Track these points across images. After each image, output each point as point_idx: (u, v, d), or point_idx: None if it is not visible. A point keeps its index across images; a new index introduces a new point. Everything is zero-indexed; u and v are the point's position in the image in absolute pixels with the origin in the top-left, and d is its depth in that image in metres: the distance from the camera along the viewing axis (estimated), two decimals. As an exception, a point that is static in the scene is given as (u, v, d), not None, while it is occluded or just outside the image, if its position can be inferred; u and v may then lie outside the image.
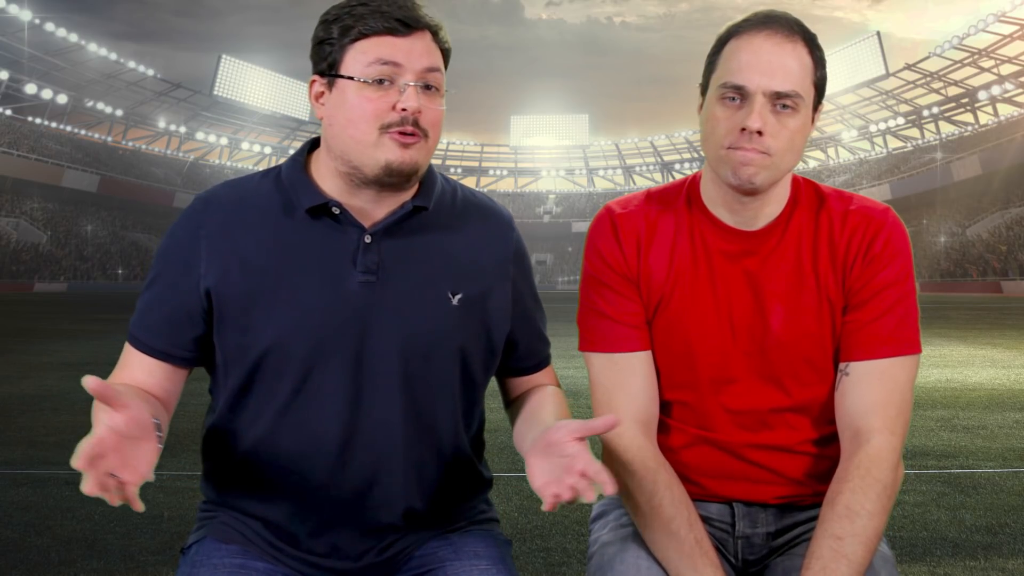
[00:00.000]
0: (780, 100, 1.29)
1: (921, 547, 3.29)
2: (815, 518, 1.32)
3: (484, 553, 1.35)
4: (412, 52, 1.24)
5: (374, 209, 1.31)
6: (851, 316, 1.36)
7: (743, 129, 1.28)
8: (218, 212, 1.31)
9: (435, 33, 1.28)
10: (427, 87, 1.26)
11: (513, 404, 1.49)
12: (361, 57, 1.24)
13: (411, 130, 1.24)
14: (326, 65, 1.27)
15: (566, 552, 3.25)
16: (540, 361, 1.49)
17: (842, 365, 1.36)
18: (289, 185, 1.32)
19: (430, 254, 1.33)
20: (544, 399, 1.42)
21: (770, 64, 1.29)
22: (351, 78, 1.24)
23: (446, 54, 1.31)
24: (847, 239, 1.37)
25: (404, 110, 1.23)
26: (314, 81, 1.30)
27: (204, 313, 1.30)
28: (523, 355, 1.46)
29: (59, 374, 8.94)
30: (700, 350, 1.39)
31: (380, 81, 1.23)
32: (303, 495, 1.30)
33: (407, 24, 1.24)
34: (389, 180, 1.26)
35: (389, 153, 1.24)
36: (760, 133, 1.28)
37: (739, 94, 1.29)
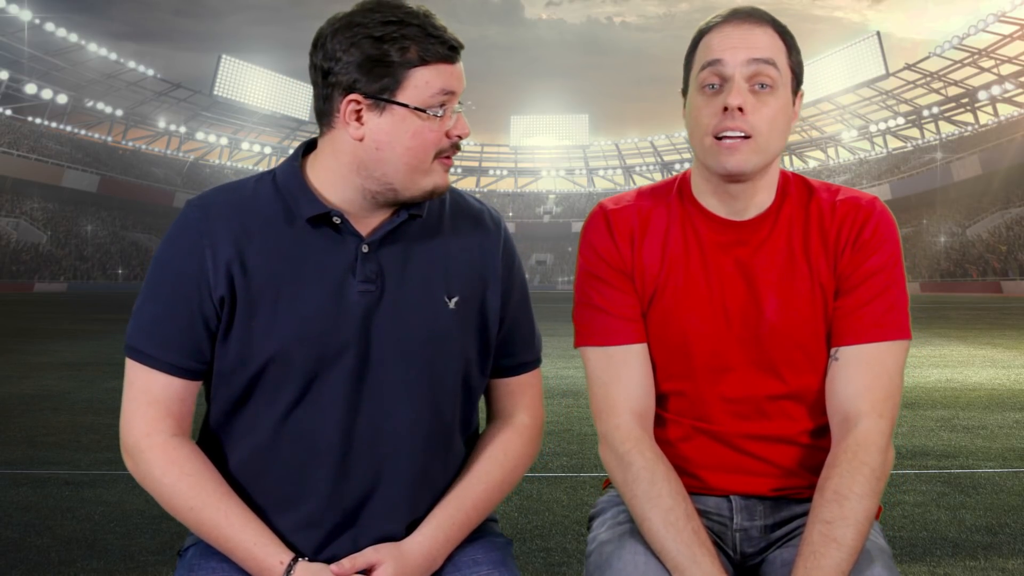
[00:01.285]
0: (758, 77, 1.32)
1: (921, 547, 3.29)
2: None
3: (483, 559, 1.34)
4: (462, 78, 1.28)
5: (370, 216, 1.32)
6: (841, 302, 1.38)
7: (725, 110, 1.32)
8: (219, 220, 1.29)
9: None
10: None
11: (475, 447, 1.42)
12: (425, 87, 1.24)
13: (454, 152, 1.29)
14: (378, 88, 1.23)
15: (566, 552, 3.25)
16: (520, 364, 1.45)
17: (832, 351, 1.38)
18: (287, 192, 1.31)
19: (426, 260, 1.33)
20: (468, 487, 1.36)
21: (743, 38, 1.34)
22: (417, 108, 1.24)
23: None
24: (837, 226, 1.39)
25: (459, 136, 1.27)
26: (353, 99, 1.24)
27: (218, 322, 1.29)
28: (500, 352, 1.43)
29: (59, 374, 8.95)
30: (695, 339, 1.40)
31: (441, 107, 1.26)
32: (303, 504, 1.29)
33: (457, 50, 1.27)
34: (420, 201, 1.31)
35: (437, 178, 1.29)
36: (741, 110, 1.31)
37: (718, 76, 1.33)
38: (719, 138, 1.33)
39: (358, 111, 1.25)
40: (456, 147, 1.28)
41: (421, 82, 1.23)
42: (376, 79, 1.23)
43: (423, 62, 1.23)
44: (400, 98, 1.24)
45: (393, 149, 1.25)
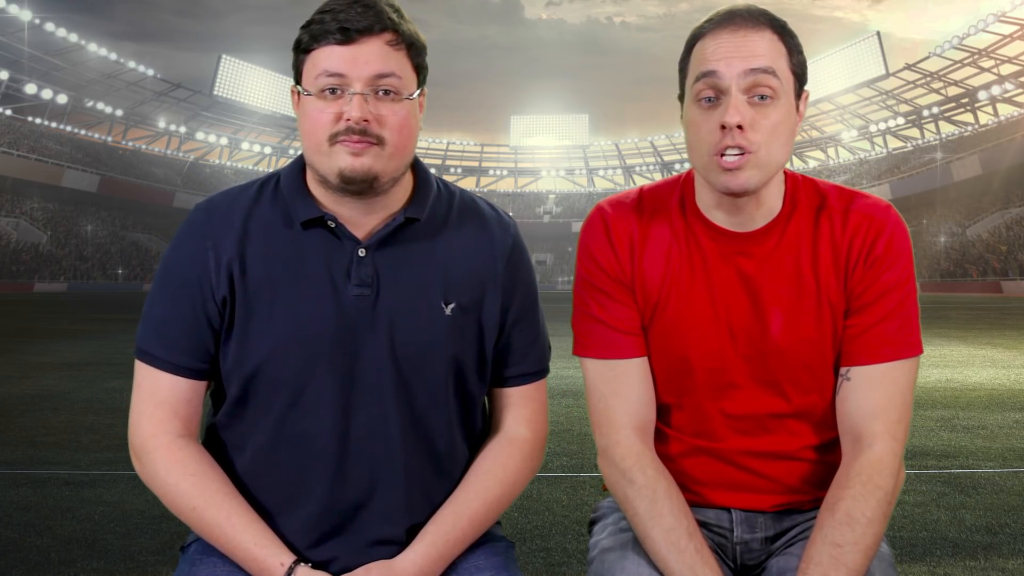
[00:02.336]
0: (756, 88, 1.25)
1: (921, 547, 3.29)
2: (813, 518, 1.32)
3: (485, 564, 1.33)
4: (357, 61, 1.23)
5: (366, 219, 1.31)
6: (852, 320, 1.34)
7: (723, 127, 1.25)
8: (222, 222, 1.31)
9: (395, 32, 1.26)
10: (384, 92, 1.25)
11: (472, 461, 1.39)
12: (312, 69, 1.25)
13: (357, 138, 1.24)
14: (295, 74, 1.29)
15: (566, 552, 3.25)
16: (520, 375, 1.41)
17: (843, 370, 1.34)
18: (288, 196, 1.33)
19: (423, 264, 1.33)
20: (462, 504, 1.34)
21: (738, 48, 1.26)
22: (306, 90, 1.26)
23: (414, 50, 1.28)
24: (848, 241, 1.34)
25: (348, 120, 1.23)
26: (292, 90, 1.31)
27: (221, 322, 1.30)
28: (498, 360, 1.40)
29: (59, 374, 8.94)
30: (698, 356, 1.37)
31: (332, 91, 1.24)
32: (303, 506, 1.29)
33: (351, 32, 1.23)
34: (349, 188, 1.27)
35: (341, 161, 1.25)
36: (740, 128, 1.24)
37: (714, 89, 1.26)
38: (720, 154, 1.26)
39: (296, 102, 1.30)
40: (352, 131, 1.23)
41: (311, 65, 1.26)
42: (294, 67, 1.29)
43: (314, 45, 1.25)
44: (302, 82, 1.27)
45: (302, 132, 1.28)
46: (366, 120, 1.23)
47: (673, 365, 1.39)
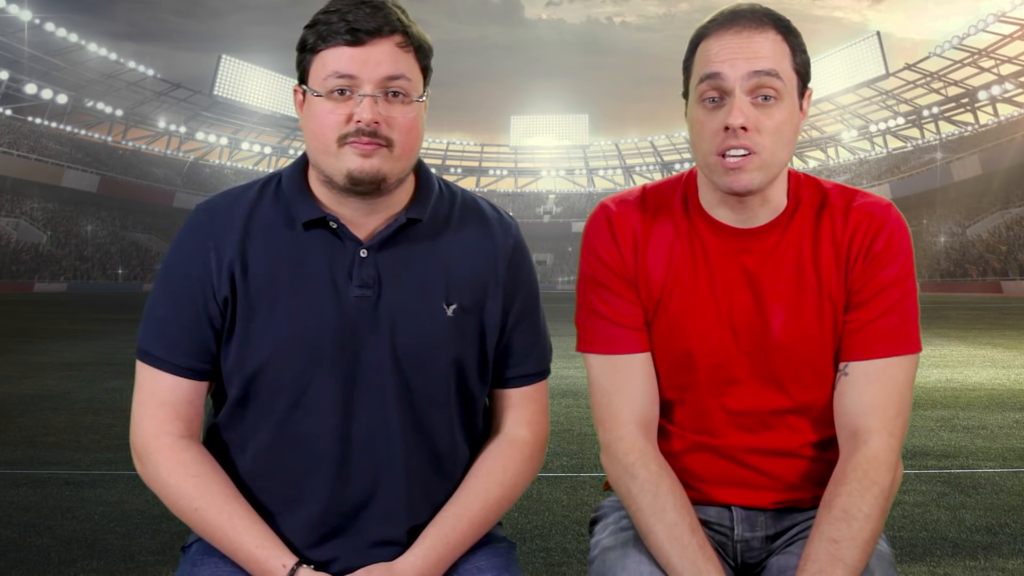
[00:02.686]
0: (760, 89, 1.26)
1: (921, 547, 3.29)
2: (813, 516, 1.32)
3: (486, 565, 1.33)
4: (368, 62, 1.23)
5: (368, 219, 1.31)
6: (851, 315, 1.35)
7: (727, 128, 1.26)
8: (223, 222, 1.31)
9: (405, 34, 1.26)
10: (394, 94, 1.25)
11: (473, 463, 1.39)
12: (321, 70, 1.25)
13: (366, 140, 1.24)
14: (299, 74, 1.29)
15: (566, 552, 3.25)
16: (520, 376, 1.41)
17: (841, 365, 1.35)
18: (289, 196, 1.33)
19: (425, 265, 1.33)
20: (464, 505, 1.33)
21: (742, 49, 1.27)
22: (315, 91, 1.26)
23: (422, 52, 1.29)
24: (849, 237, 1.35)
25: (359, 121, 1.23)
26: (296, 90, 1.31)
27: (223, 322, 1.30)
28: (499, 361, 1.40)
29: (59, 374, 8.95)
30: (700, 352, 1.37)
31: (342, 92, 1.24)
32: (305, 507, 1.29)
33: (361, 33, 1.23)
34: (356, 189, 1.26)
35: (349, 162, 1.24)
36: (745, 129, 1.25)
37: (718, 90, 1.27)
38: (723, 154, 1.27)
39: (300, 102, 1.30)
40: (362, 132, 1.23)
41: (319, 65, 1.25)
42: (299, 66, 1.29)
43: (322, 46, 1.25)
44: (308, 82, 1.27)
45: (308, 132, 1.28)
46: (376, 122, 1.23)
47: (675, 361, 1.39)
